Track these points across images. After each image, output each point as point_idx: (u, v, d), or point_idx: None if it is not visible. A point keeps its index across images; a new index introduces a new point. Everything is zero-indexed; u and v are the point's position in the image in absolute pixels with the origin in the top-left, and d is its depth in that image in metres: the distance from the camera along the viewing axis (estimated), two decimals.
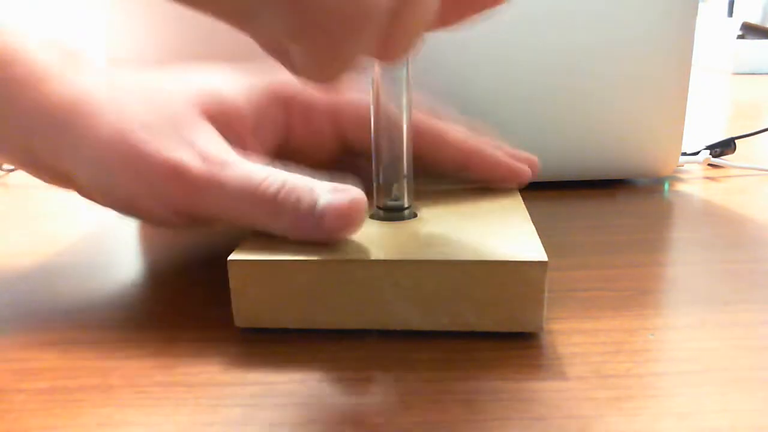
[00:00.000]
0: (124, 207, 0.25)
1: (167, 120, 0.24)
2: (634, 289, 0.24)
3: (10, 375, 0.20)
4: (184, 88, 0.25)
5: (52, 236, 0.33)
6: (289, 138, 0.28)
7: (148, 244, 0.31)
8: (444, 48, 0.35)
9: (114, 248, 0.31)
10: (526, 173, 0.28)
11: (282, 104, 0.27)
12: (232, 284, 0.21)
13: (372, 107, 0.23)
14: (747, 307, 0.23)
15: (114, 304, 0.25)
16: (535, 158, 0.30)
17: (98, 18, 0.35)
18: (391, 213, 0.25)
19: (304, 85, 0.27)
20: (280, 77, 0.27)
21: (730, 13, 1.81)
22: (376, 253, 0.21)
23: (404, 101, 0.23)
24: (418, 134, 0.24)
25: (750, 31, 1.33)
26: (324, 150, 0.28)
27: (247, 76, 0.27)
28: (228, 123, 0.25)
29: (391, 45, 0.16)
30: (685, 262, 0.27)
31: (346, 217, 0.21)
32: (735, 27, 1.36)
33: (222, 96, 0.25)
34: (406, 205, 0.25)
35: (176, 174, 0.23)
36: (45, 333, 0.22)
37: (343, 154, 0.29)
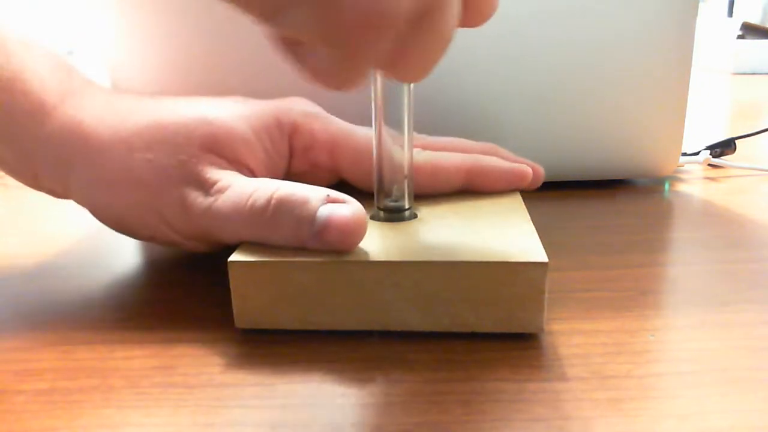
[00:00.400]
0: (132, 235, 0.26)
1: (171, 155, 0.24)
2: (634, 289, 0.24)
3: (10, 376, 0.20)
4: (189, 120, 0.24)
5: (51, 237, 0.33)
6: (288, 166, 0.28)
7: (147, 245, 0.31)
8: None
9: (114, 249, 0.31)
10: (527, 171, 0.28)
11: (285, 132, 0.27)
12: (232, 285, 0.21)
13: (373, 107, 0.23)
14: (747, 307, 0.23)
15: (114, 305, 0.25)
16: (538, 166, 0.30)
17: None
18: (392, 214, 0.25)
19: (307, 116, 0.27)
20: (283, 105, 0.27)
21: (730, 13, 1.81)
22: (377, 254, 0.21)
23: (406, 102, 0.23)
24: (414, 172, 0.25)
25: (750, 31, 1.33)
26: (318, 180, 0.28)
27: (250, 104, 0.27)
28: (235, 153, 0.25)
29: (409, 56, 0.16)
30: (685, 262, 0.27)
31: (350, 233, 0.21)
32: (735, 27, 1.36)
33: (228, 127, 0.25)
34: (406, 206, 0.25)
35: (182, 209, 0.23)
36: (45, 333, 0.22)
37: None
